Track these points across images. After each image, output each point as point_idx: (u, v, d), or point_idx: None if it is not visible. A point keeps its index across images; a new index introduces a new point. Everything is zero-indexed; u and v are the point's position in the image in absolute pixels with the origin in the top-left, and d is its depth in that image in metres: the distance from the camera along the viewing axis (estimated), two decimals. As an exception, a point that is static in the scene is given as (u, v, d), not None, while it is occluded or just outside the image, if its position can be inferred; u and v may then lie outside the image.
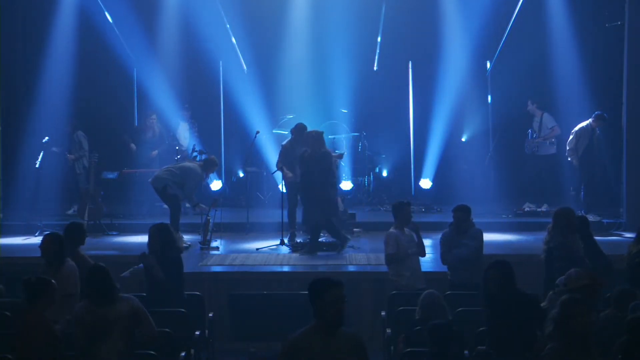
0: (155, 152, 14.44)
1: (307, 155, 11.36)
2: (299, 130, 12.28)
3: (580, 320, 5.41)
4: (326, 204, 11.26)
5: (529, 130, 14.40)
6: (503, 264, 6.92)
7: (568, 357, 5.38)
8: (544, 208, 13.96)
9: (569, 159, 13.55)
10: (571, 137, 13.46)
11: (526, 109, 14.39)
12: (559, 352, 5.43)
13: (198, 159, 13.02)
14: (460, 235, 9.01)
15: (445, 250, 9.05)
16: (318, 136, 11.43)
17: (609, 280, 7.39)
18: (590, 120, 13.37)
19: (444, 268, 10.12)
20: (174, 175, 11.74)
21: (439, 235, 9.38)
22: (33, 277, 6.72)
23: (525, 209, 14.06)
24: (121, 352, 6.40)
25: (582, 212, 12.58)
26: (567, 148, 13.53)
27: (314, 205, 11.30)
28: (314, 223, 11.39)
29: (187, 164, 12.23)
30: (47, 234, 8.11)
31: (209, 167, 12.11)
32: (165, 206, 12.39)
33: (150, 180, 12.18)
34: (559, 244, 8.28)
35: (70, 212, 13.95)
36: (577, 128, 13.43)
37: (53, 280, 6.68)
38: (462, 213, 8.99)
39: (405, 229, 9.18)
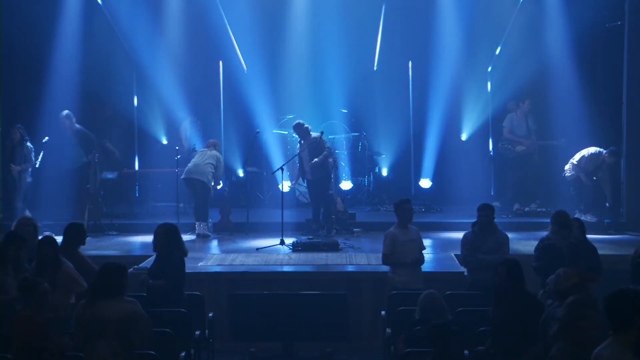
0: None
1: None
2: (294, 128, 13.00)
3: (587, 321, 5.44)
4: None
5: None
6: (513, 262, 6.92)
7: (575, 357, 5.39)
8: (532, 207, 14.03)
9: (572, 173, 13.18)
10: (578, 157, 13.11)
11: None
12: (566, 352, 5.46)
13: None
14: (486, 236, 8.88)
15: (468, 254, 8.88)
16: None
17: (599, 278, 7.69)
18: (603, 151, 13.08)
19: (444, 268, 10.12)
20: (213, 167, 12.64)
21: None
22: (27, 277, 6.73)
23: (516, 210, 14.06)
24: (117, 352, 6.36)
25: (582, 212, 12.64)
26: (572, 165, 13.16)
27: None
28: None
29: (212, 152, 12.82)
30: (42, 238, 8.02)
31: (218, 147, 13.30)
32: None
33: (189, 175, 12.56)
34: (550, 244, 8.39)
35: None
36: (587, 155, 13.05)
37: (45, 284, 6.65)
38: (490, 211, 8.93)
39: (410, 227, 9.15)
